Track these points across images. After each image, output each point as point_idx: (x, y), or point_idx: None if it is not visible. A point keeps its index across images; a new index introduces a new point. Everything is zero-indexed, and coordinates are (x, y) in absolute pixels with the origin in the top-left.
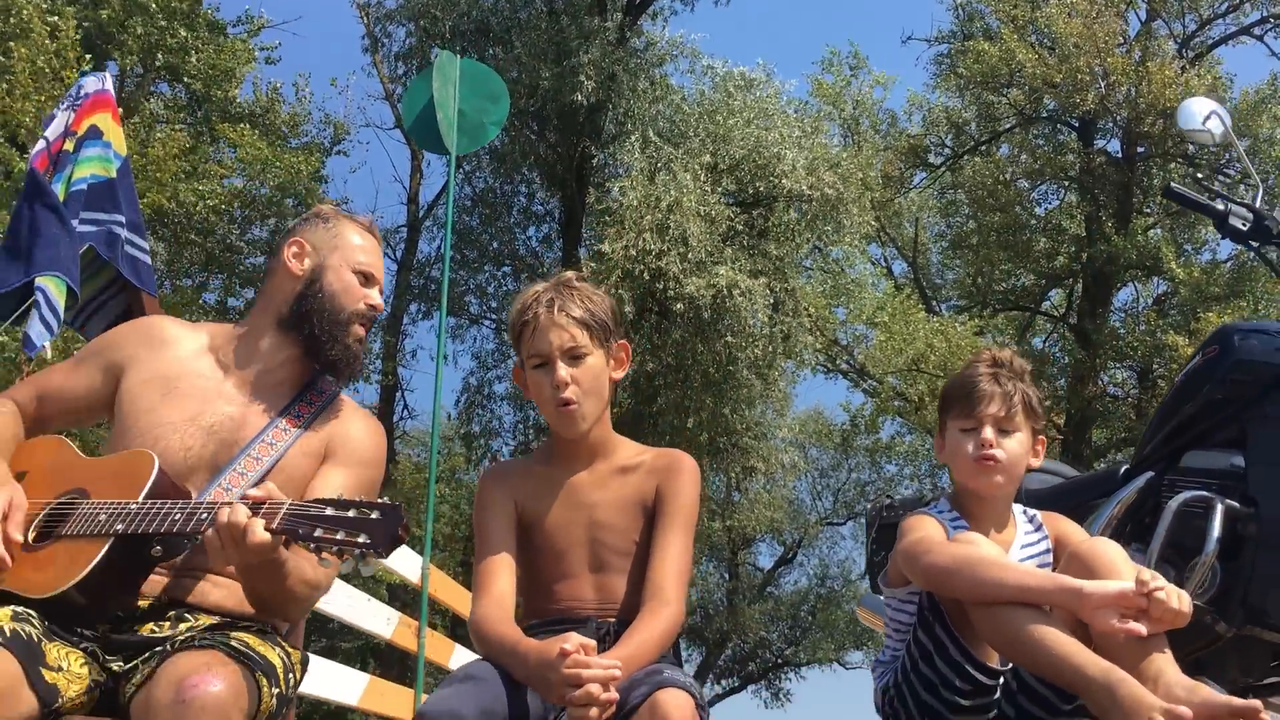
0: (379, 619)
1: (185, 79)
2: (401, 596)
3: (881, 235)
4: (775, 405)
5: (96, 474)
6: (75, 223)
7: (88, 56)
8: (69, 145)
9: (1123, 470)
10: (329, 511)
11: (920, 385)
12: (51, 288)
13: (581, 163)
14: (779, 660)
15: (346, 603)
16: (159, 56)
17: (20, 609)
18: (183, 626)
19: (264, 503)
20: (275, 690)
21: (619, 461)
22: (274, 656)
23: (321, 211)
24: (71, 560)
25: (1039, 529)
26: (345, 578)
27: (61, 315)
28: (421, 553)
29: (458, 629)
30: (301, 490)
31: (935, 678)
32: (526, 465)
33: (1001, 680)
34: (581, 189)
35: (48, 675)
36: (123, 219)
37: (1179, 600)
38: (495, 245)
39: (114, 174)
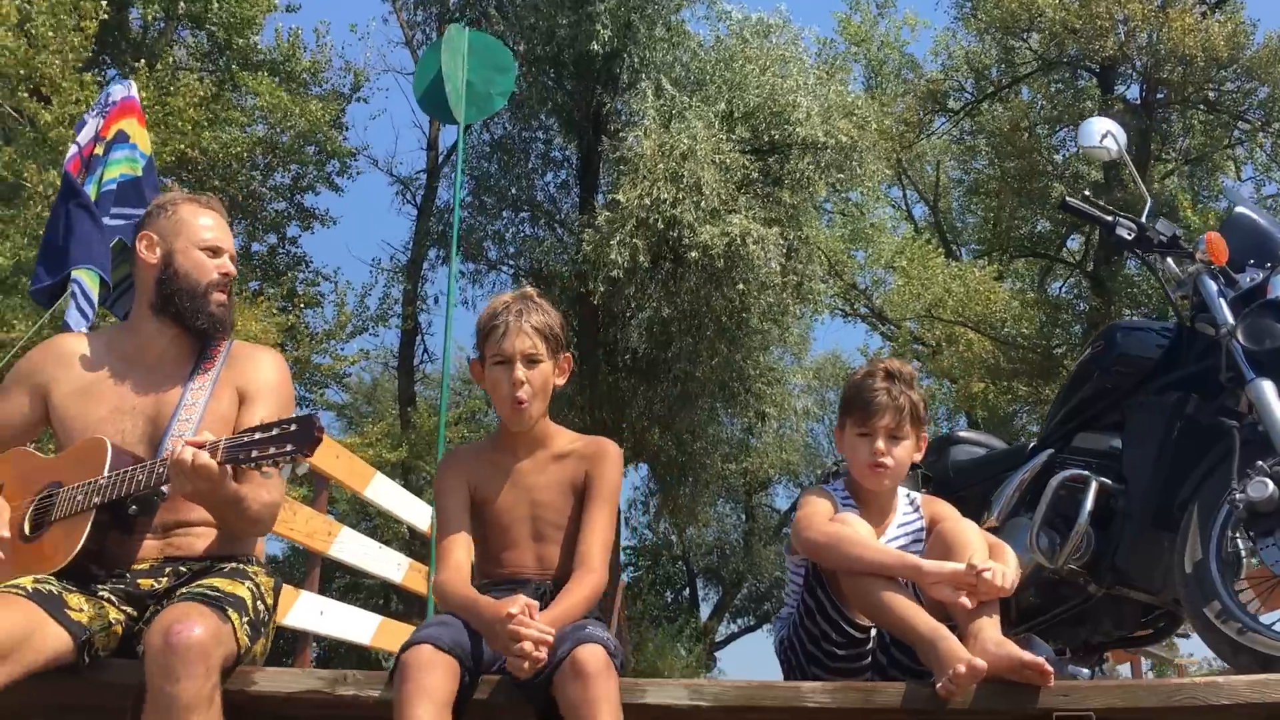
0: (390, 564)
1: (208, 26)
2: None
3: (903, 178)
4: (792, 350)
5: (62, 467)
6: (106, 219)
7: (104, 4)
8: (99, 149)
9: (1030, 446)
10: (257, 436)
11: (938, 330)
12: (86, 279)
13: (598, 110)
14: None
15: (360, 551)
16: (181, 4)
17: (39, 576)
18: (178, 579)
19: (204, 445)
20: (246, 619)
21: (556, 449)
22: (242, 591)
23: (162, 201)
24: (67, 537)
25: (916, 510)
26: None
27: (95, 304)
28: (433, 500)
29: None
30: (229, 429)
31: (818, 632)
32: (478, 451)
33: (873, 635)
34: (598, 136)
35: (72, 614)
36: None
37: (1002, 579)
38: (513, 191)
39: (140, 172)
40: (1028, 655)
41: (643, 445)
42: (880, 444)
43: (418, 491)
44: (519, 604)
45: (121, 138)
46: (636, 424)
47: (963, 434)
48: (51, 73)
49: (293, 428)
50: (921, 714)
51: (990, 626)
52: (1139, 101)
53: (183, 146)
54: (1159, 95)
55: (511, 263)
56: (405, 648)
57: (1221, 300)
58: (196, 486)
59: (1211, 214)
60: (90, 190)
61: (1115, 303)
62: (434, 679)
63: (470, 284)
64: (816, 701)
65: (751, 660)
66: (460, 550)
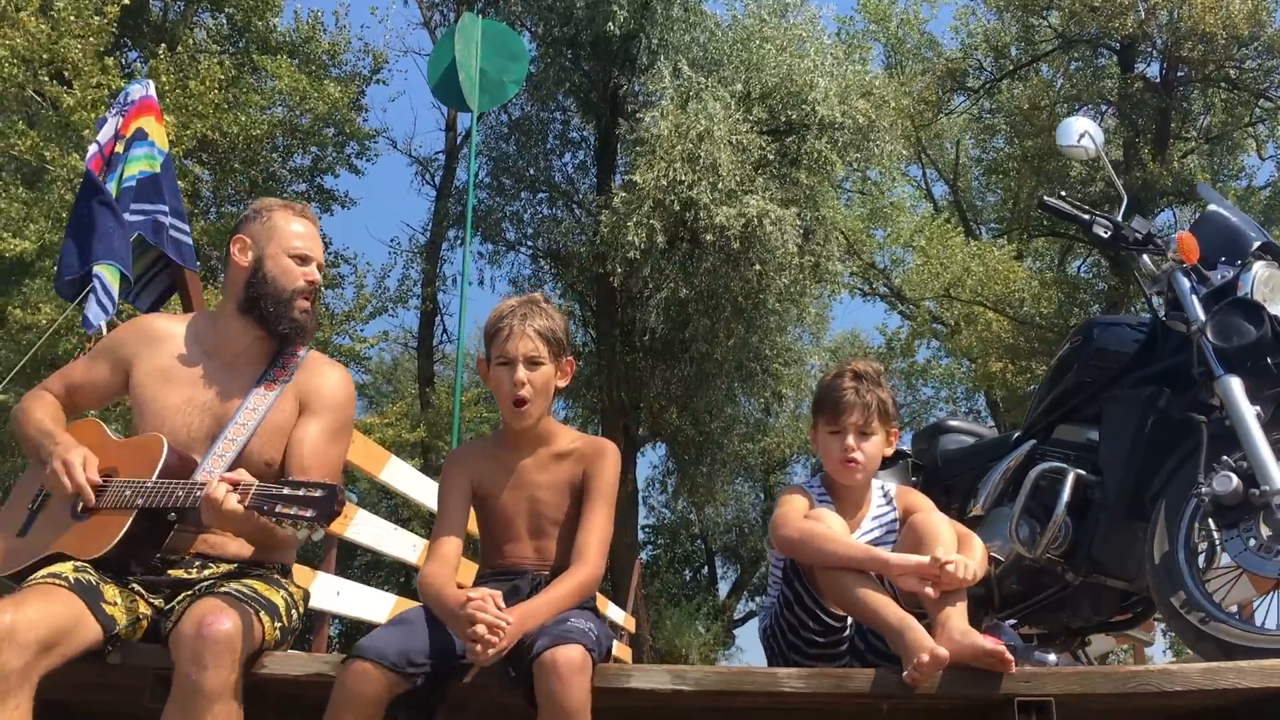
0: (405, 546)
1: (227, 9)
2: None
3: (922, 157)
4: (810, 329)
5: (122, 455)
6: (127, 215)
7: None
8: (119, 147)
9: (1014, 437)
10: (285, 492)
11: (957, 309)
12: (106, 274)
13: (615, 91)
14: None
15: (376, 534)
16: None
17: (80, 563)
18: (206, 572)
19: (238, 484)
20: (278, 625)
21: (556, 448)
22: (277, 598)
23: (258, 207)
24: (108, 528)
25: (890, 502)
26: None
27: (115, 297)
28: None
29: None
30: (284, 439)
31: (796, 621)
32: (483, 448)
33: (849, 623)
34: (615, 117)
35: (106, 609)
36: (166, 208)
37: (965, 570)
38: (531, 172)
39: (158, 169)
40: (990, 644)
41: (660, 425)
42: (850, 440)
43: (436, 470)
44: (479, 592)
45: (140, 135)
46: (654, 404)
47: (952, 423)
48: (74, 56)
49: (318, 494)
50: (890, 699)
51: (956, 616)
52: (1159, 79)
53: (203, 129)
54: (1179, 73)
55: (529, 243)
56: (351, 655)
57: (1193, 297)
58: (224, 524)
59: (1231, 193)
60: (111, 187)
61: (1134, 282)
62: (360, 688)
63: (488, 265)
64: (792, 687)
65: None
66: (449, 545)
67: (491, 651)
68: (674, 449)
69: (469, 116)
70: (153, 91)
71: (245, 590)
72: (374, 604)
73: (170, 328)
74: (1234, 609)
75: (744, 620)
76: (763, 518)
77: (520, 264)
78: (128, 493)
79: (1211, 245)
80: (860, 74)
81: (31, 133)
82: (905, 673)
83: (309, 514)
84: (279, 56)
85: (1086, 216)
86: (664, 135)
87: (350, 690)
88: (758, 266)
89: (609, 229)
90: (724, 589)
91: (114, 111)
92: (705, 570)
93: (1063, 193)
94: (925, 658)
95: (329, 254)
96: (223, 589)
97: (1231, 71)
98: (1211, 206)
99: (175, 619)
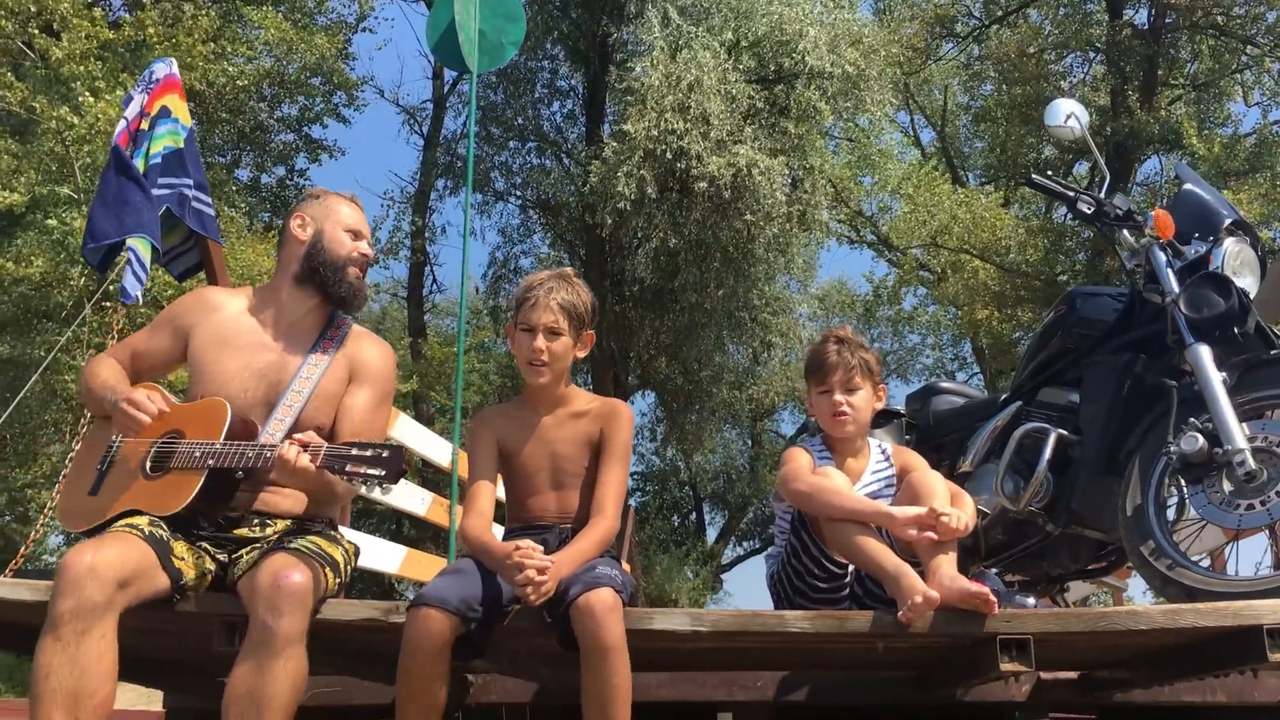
0: (414, 499)
1: None
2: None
3: (910, 103)
4: (797, 277)
5: (186, 418)
6: (155, 189)
7: None
8: (145, 124)
9: (1002, 398)
10: (353, 452)
11: (943, 257)
12: (140, 247)
13: (604, 40)
14: None
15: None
16: None
17: (153, 518)
18: (269, 530)
19: (308, 445)
20: (338, 579)
21: (574, 409)
22: (337, 554)
23: (314, 192)
24: (180, 487)
25: (888, 460)
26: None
27: (148, 269)
28: (452, 436)
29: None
30: (335, 406)
31: (802, 568)
32: (507, 410)
33: (850, 570)
34: (604, 66)
35: (175, 562)
36: (191, 181)
37: (958, 522)
38: (519, 121)
39: (182, 144)
40: (975, 587)
41: (650, 374)
42: (837, 396)
43: (428, 421)
44: (525, 543)
45: (164, 113)
46: (644, 353)
47: (943, 385)
48: (61, 8)
49: (385, 454)
50: (886, 637)
51: (947, 563)
52: (1147, 26)
53: (191, 79)
54: (1167, 19)
55: (518, 193)
56: (415, 602)
57: (1169, 271)
58: (293, 481)
59: (1217, 141)
60: (139, 163)
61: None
62: (429, 630)
63: (478, 215)
64: (798, 628)
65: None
66: (485, 498)
67: (539, 595)
68: (663, 397)
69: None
70: (175, 70)
71: (312, 547)
72: (386, 556)
73: (227, 298)
74: (1201, 557)
75: (731, 565)
76: (750, 464)
77: (509, 214)
78: (197, 453)
79: (1186, 222)
80: (849, 22)
81: (20, 85)
82: (900, 614)
83: (379, 472)
84: (264, 7)
85: (1071, 194)
86: (654, 85)
87: (420, 633)
88: (748, 216)
89: (599, 179)
90: (712, 534)
91: (139, 89)
92: (693, 516)
93: (1049, 171)
94: (918, 600)
95: None
96: (292, 545)
97: (1219, 18)
98: (1187, 185)
99: (244, 570)
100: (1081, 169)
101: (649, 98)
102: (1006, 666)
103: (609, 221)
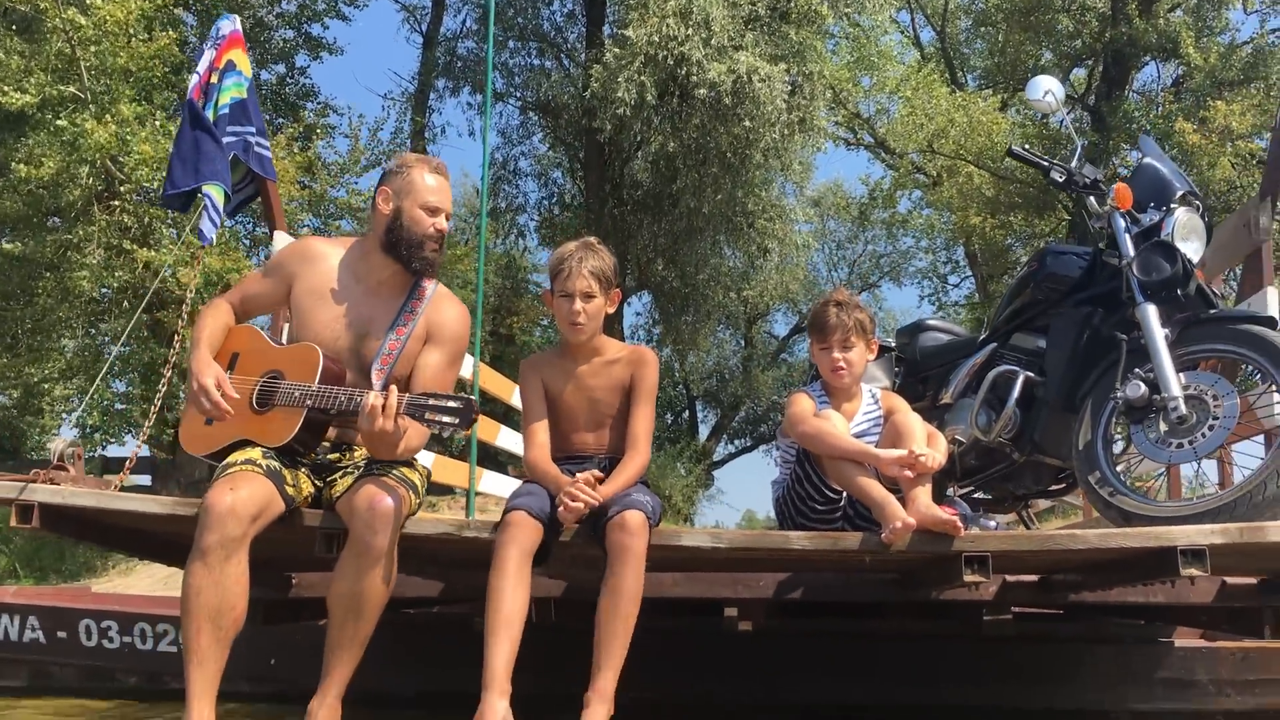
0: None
1: None
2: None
3: (911, 2)
4: (793, 179)
5: (285, 360)
6: (225, 138)
7: None
8: (214, 79)
9: (980, 338)
10: (430, 402)
11: (939, 162)
12: (214, 194)
13: None
14: None
15: None
16: None
17: (265, 450)
18: (357, 455)
19: (392, 396)
20: (418, 500)
21: (607, 357)
22: (416, 478)
23: (400, 162)
24: (285, 422)
25: (876, 402)
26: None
27: (223, 213)
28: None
29: (509, 417)
30: (414, 361)
31: (804, 494)
32: (550, 358)
33: (843, 497)
34: None
35: (288, 489)
36: (254, 129)
37: (933, 460)
38: (520, 21)
39: (245, 94)
40: (945, 515)
41: (647, 276)
42: (835, 354)
43: None
44: (583, 476)
45: (230, 67)
46: (641, 256)
47: (931, 322)
48: None
49: (459, 405)
50: (872, 554)
51: (923, 494)
52: None
53: None
54: None
55: (518, 94)
56: (508, 510)
57: (1126, 236)
58: (376, 426)
59: (1214, 51)
60: (209, 114)
61: (1114, 138)
62: (523, 534)
63: (477, 116)
64: (799, 545)
65: (747, 479)
66: (541, 432)
67: (576, 518)
68: (659, 299)
69: None
70: (239, 26)
71: (398, 474)
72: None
73: (327, 250)
74: (1140, 486)
75: (723, 462)
76: (743, 365)
77: (509, 115)
78: (297, 394)
79: (1144, 192)
80: None
81: None
82: (883, 535)
83: (455, 420)
84: None
85: (1045, 164)
86: None
87: (515, 531)
88: (746, 123)
89: (600, 84)
90: (704, 432)
91: (209, 45)
92: (686, 415)
93: (1026, 144)
94: (899, 525)
95: (317, 102)
96: (379, 472)
97: None
98: (1147, 159)
99: (341, 493)
100: (1080, 73)
101: (650, 2)
102: (969, 577)
103: (608, 126)
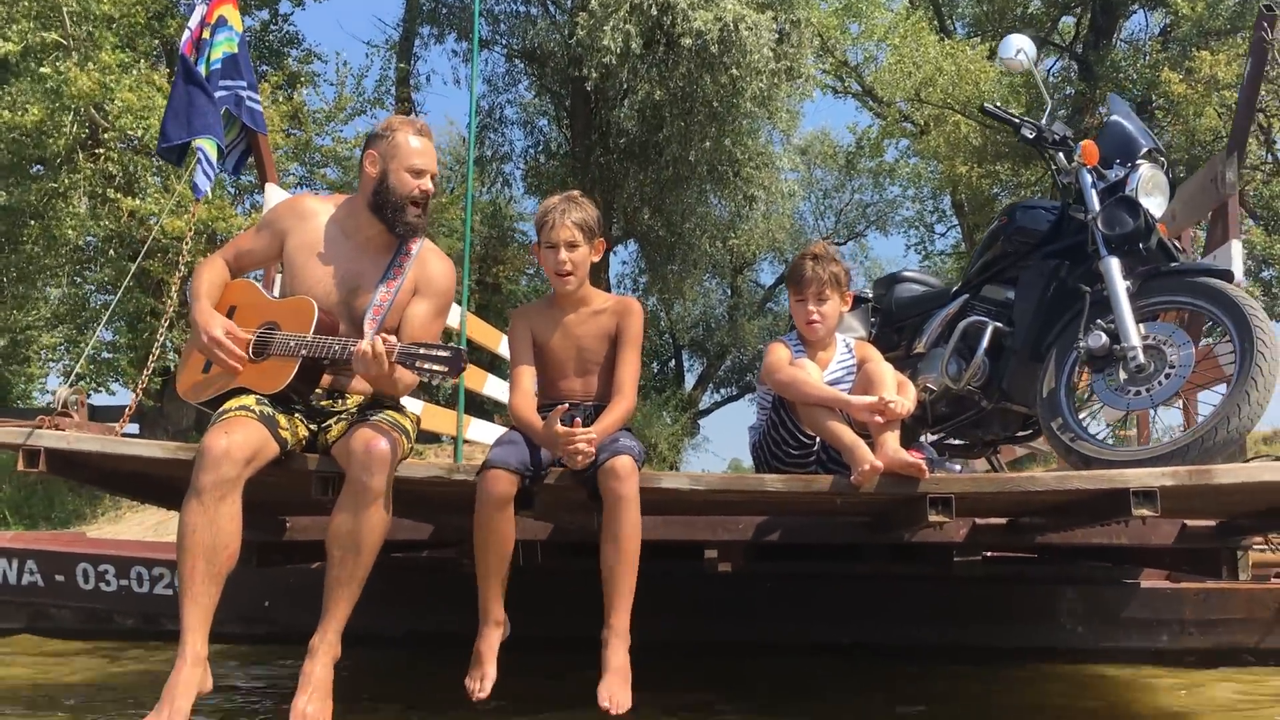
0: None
1: None
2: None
3: None
4: (780, 128)
5: (280, 312)
6: (217, 92)
7: None
8: (206, 34)
9: (953, 290)
10: (422, 351)
11: (927, 110)
12: (207, 147)
13: None
14: None
15: None
16: None
17: (259, 396)
18: (350, 402)
19: (385, 343)
20: (410, 445)
21: (594, 307)
22: (408, 423)
23: (385, 126)
24: (280, 370)
25: (850, 352)
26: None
27: (216, 167)
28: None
29: (496, 365)
30: (402, 313)
31: (779, 439)
32: (539, 308)
33: (817, 442)
34: None
35: (281, 433)
36: (245, 83)
37: (901, 408)
38: None
39: (236, 49)
40: (911, 459)
41: (633, 225)
42: (810, 306)
43: None
44: (580, 431)
45: (222, 22)
46: (627, 205)
47: (907, 274)
48: None
49: (448, 354)
50: (843, 496)
51: (891, 439)
52: None
53: None
54: None
55: (504, 41)
56: (486, 466)
57: (1092, 191)
58: (370, 371)
59: (1201, 1)
60: (202, 69)
61: (1101, 87)
62: (499, 485)
63: (463, 63)
64: (774, 488)
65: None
66: (527, 380)
67: (586, 460)
68: (645, 248)
69: None
70: None
71: (389, 419)
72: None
73: (318, 207)
74: (1099, 432)
75: (709, 411)
76: (729, 314)
77: (495, 62)
78: (292, 344)
79: (1110, 149)
80: None
81: None
82: (853, 477)
83: (445, 369)
84: None
85: (1017, 121)
86: None
87: (491, 488)
88: (733, 71)
89: (586, 32)
90: (690, 381)
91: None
92: (672, 364)
93: (998, 103)
94: (867, 468)
95: (301, 50)
96: (374, 417)
97: None
98: (1114, 116)
99: (336, 438)
100: (1069, 21)
101: None
102: (934, 518)
103: (594, 75)
